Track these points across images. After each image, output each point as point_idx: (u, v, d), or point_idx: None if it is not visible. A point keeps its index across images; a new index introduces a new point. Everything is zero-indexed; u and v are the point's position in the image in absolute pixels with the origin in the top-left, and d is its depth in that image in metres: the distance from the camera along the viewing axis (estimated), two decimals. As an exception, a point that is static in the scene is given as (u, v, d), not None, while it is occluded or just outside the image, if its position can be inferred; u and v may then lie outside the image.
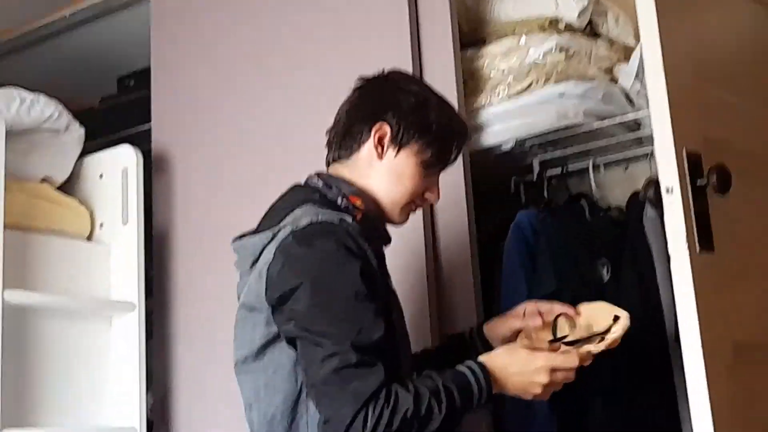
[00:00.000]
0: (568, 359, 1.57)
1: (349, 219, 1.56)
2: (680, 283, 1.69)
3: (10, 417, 2.08)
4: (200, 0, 2.65)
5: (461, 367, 1.50)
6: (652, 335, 2.08)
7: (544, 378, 1.53)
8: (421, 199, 1.73)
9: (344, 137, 1.70)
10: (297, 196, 1.67)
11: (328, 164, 1.75)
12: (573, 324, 1.75)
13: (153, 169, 2.60)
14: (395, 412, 1.38)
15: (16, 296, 2.15)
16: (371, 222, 1.65)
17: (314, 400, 1.48)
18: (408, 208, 1.72)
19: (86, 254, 2.43)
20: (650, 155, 2.27)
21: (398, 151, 1.66)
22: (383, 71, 1.76)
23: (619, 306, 2.12)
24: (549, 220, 2.22)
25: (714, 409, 1.63)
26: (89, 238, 2.49)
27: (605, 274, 2.18)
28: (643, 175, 2.32)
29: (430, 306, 2.11)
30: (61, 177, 2.51)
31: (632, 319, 2.05)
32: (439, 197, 1.76)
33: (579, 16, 2.33)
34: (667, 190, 1.73)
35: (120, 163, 2.50)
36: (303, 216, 1.55)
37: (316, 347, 1.43)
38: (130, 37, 2.86)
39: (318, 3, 2.44)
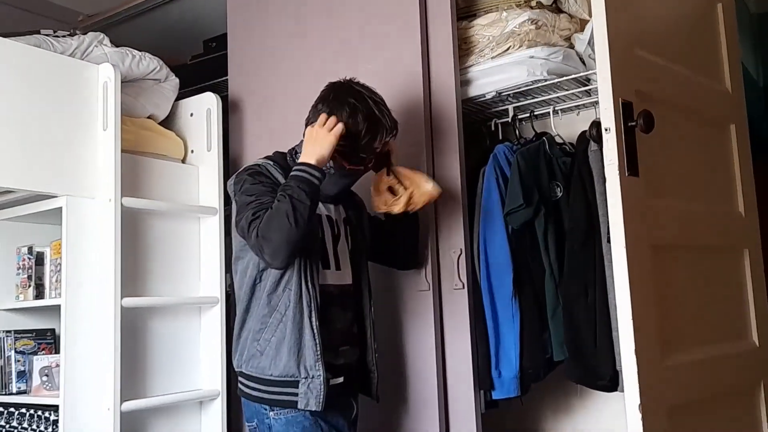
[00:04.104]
0: (324, 120, 1.77)
1: (271, 163, 1.83)
2: (612, 198, 1.69)
3: (126, 288, 2.11)
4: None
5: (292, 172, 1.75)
6: (591, 235, 2.07)
7: (322, 130, 1.75)
8: None
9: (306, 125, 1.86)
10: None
11: None
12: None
13: (229, 110, 2.57)
14: (272, 217, 1.67)
15: (130, 202, 2.16)
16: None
17: (245, 233, 1.72)
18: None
19: (181, 172, 2.42)
20: (595, 103, 2.22)
21: None
22: (343, 80, 1.85)
23: (569, 217, 2.13)
24: (519, 151, 2.18)
25: (632, 287, 1.66)
26: (183, 160, 2.48)
27: (559, 192, 2.15)
28: (589, 118, 2.26)
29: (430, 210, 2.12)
30: (162, 115, 2.48)
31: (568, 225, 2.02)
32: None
33: (547, -5, 2.25)
34: (606, 130, 1.72)
35: (205, 105, 2.47)
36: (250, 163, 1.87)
37: (241, 215, 1.73)
38: (213, 10, 2.81)
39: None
